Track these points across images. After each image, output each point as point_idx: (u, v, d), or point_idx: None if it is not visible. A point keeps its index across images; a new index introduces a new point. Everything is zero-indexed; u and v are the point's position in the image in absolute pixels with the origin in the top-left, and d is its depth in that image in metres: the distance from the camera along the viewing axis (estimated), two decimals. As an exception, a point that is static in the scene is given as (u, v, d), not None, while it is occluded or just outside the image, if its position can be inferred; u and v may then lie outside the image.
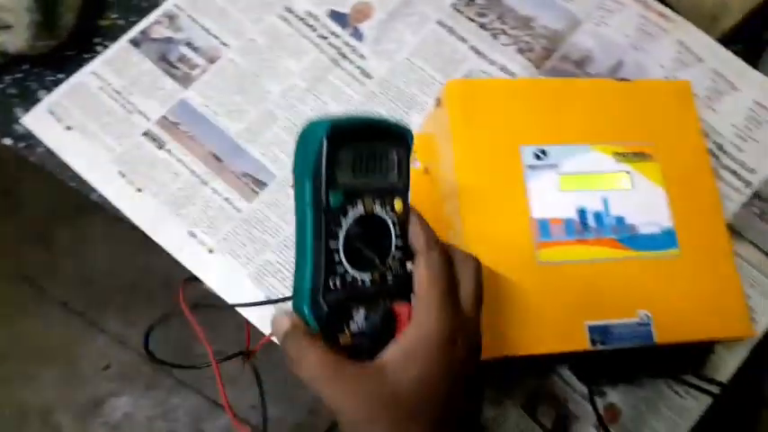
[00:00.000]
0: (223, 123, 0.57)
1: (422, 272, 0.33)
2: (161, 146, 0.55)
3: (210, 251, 0.53)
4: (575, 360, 0.52)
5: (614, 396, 0.54)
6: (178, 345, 1.23)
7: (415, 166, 0.59)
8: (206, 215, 0.54)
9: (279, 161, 0.56)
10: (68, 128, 0.55)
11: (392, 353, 0.31)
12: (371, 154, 0.34)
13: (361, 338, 0.33)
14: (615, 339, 0.46)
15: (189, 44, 0.59)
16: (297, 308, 0.33)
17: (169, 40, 0.59)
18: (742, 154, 0.61)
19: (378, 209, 0.34)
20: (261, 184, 0.56)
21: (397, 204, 0.35)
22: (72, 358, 1.19)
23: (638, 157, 0.51)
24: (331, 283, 0.32)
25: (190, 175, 0.55)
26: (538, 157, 0.50)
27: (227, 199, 0.55)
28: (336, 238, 0.33)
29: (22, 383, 1.18)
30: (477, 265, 0.36)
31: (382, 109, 0.60)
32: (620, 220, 0.49)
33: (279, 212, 0.55)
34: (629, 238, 0.49)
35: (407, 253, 0.35)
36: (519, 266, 0.46)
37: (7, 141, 0.54)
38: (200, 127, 0.56)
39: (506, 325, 0.45)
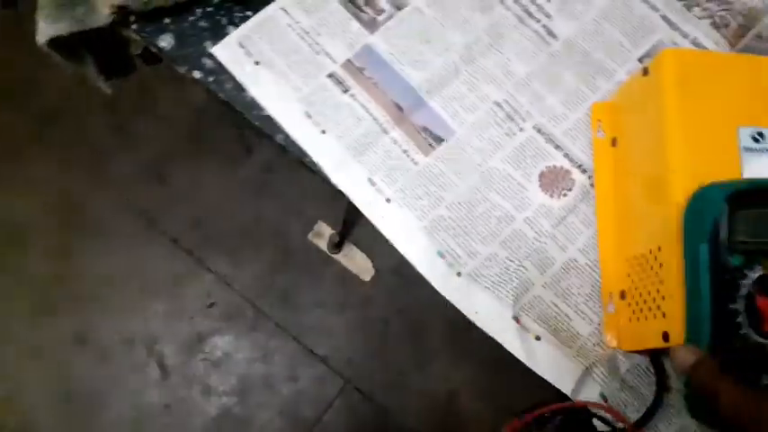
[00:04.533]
0: (406, 72, 0.55)
1: None
2: (345, 90, 0.54)
3: (388, 200, 0.52)
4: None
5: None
6: (282, 293, 1.26)
7: (599, 135, 0.55)
8: (385, 164, 0.52)
9: (458, 117, 0.54)
10: (257, 63, 0.54)
11: None
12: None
13: None
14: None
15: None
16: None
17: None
18: None
19: None
20: (438, 140, 0.54)
21: None
22: (178, 293, 1.24)
23: None
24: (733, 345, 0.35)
25: (372, 122, 0.53)
26: (756, 139, 0.46)
27: (404, 150, 0.53)
28: (735, 300, 0.34)
29: (131, 313, 1.23)
30: None
31: (568, 73, 0.56)
32: None
33: (454, 168, 0.53)
34: None
35: None
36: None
37: (197, 74, 0.54)
38: (384, 74, 0.55)
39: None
